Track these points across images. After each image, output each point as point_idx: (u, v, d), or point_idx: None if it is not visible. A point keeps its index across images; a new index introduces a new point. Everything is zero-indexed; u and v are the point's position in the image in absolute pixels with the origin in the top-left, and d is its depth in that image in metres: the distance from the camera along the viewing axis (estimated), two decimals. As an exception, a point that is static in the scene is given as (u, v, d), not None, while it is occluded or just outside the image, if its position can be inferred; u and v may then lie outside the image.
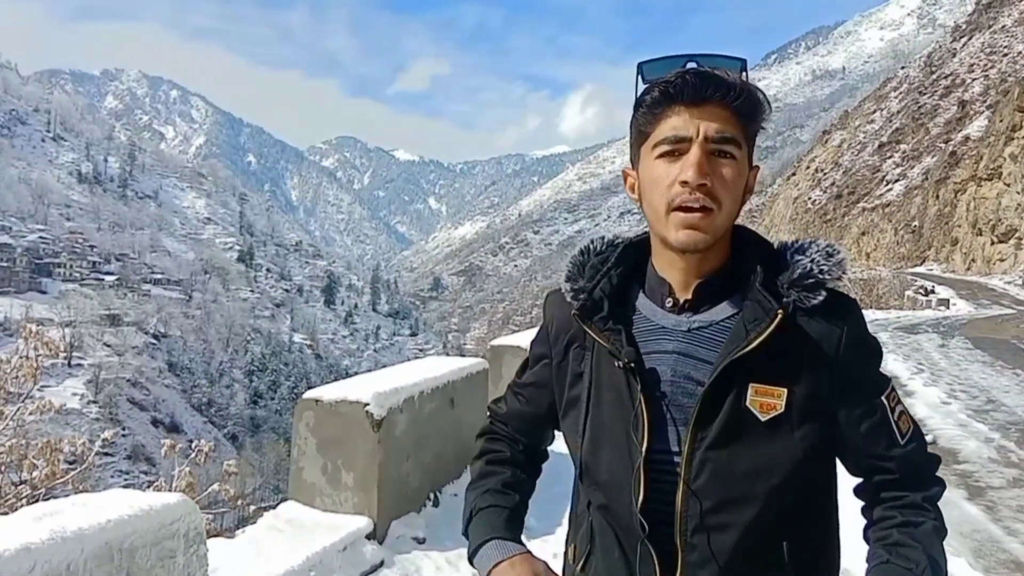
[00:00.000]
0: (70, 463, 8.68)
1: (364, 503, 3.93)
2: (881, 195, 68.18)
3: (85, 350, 79.93)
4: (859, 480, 1.17)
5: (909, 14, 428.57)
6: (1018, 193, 39.57)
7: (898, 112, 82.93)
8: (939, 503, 1.14)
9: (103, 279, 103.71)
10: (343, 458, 3.98)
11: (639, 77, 1.12)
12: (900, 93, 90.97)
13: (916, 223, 55.50)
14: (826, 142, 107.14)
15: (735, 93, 1.04)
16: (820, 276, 1.08)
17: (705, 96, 1.03)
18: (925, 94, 76.57)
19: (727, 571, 1.06)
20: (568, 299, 1.19)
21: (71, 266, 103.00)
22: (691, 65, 1.09)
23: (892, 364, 11.13)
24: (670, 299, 1.13)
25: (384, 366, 5.02)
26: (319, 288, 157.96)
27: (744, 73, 1.09)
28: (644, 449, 1.07)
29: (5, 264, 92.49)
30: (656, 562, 1.08)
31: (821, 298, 1.08)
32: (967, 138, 53.14)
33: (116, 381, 78.69)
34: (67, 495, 8.24)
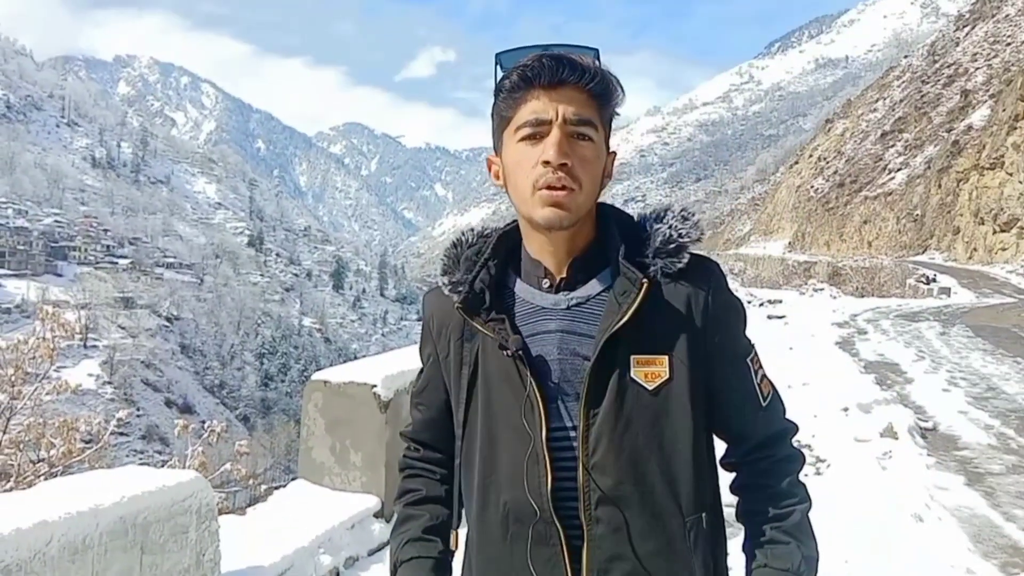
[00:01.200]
0: (86, 442, 8.81)
1: (372, 482, 3.98)
2: (883, 184, 67.70)
3: (100, 332, 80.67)
4: (726, 447, 1.21)
5: (912, 2, 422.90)
6: (1020, 182, 39.25)
7: (901, 101, 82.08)
8: (801, 477, 1.18)
9: (117, 262, 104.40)
10: (351, 438, 4.03)
11: (497, 67, 1.13)
12: (903, 82, 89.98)
13: (918, 212, 55.27)
14: (829, 131, 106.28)
15: (590, 76, 1.07)
16: (680, 240, 1.12)
17: (562, 78, 1.06)
18: (928, 83, 75.74)
19: (634, 540, 1.08)
20: (447, 292, 1.19)
21: (86, 249, 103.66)
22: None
23: (894, 351, 11.13)
24: (546, 279, 1.14)
25: (392, 350, 5.06)
26: (328, 273, 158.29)
27: (597, 62, 1.11)
28: (544, 432, 1.08)
29: (22, 247, 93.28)
30: (562, 540, 1.08)
31: (684, 262, 1.11)
32: (970, 127, 52.63)
33: (130, 362, 79.46)
34: (83, 473, 8.38)
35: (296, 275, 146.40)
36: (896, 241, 56.48)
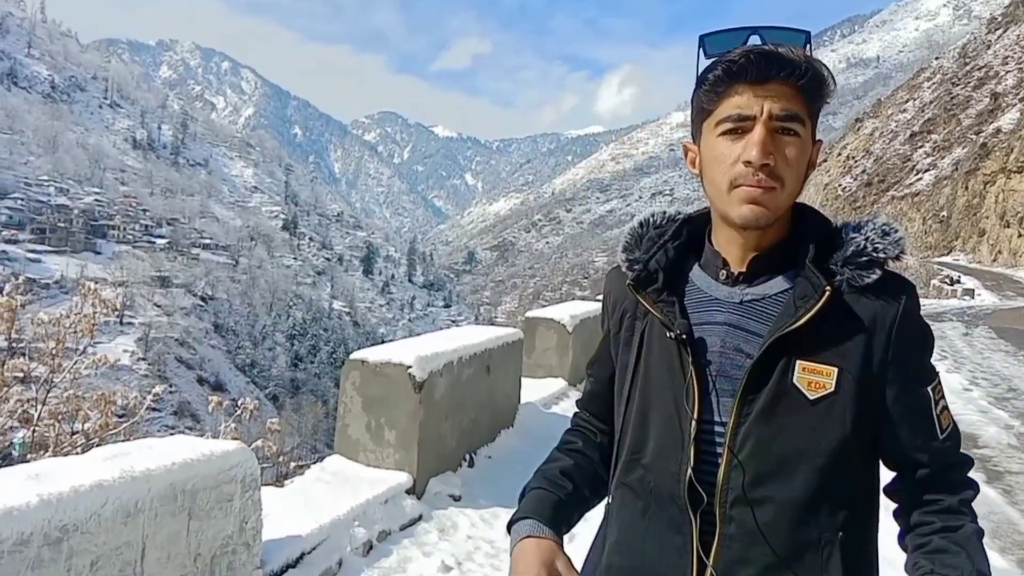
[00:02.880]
0: (119, 416, 9.10)
1: (405, 460, 4.12)
2: (911, 184, 66.73)
3: (136, 309, 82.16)
4: (893, 475, 1.14)
5: (945, 4, 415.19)
6: (1047, 186, 38.63)
7: (930, 102, 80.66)
8: (973, 505, 1.10)
9: (155, 242, 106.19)
10: (386, 417, 4.17)
11: (700, 50, 1.10)
12: (933, 83, 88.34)
13: (944, 213, 54.55)
14: (858, 130, 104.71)
15: (800, 71, 1.02)
16: (874, 255, 1.07)
17: (769, 76, 1.01)
18: (958, 85, 74.20)
19: (763, 545, 1.04)
20: (624, 269, 1.20)
21: (124, 228, 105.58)
22: (754, 40, 1.08)
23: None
24: (724, 271, 1.12)
25: (418, 336, 5.18)
26: (358, 258, 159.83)
27: (808, 46, 1.07)
28: (695, 421, 1.07)
29: (62, 224, 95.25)
30: (695, 531, 1.06)
31: (875, 277, 1.06)
32: (998, 130, 51.60)
33: (165, 340, 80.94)
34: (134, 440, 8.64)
35: (328, 259, 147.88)
36: (922, 242, 55.86)
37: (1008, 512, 4.52)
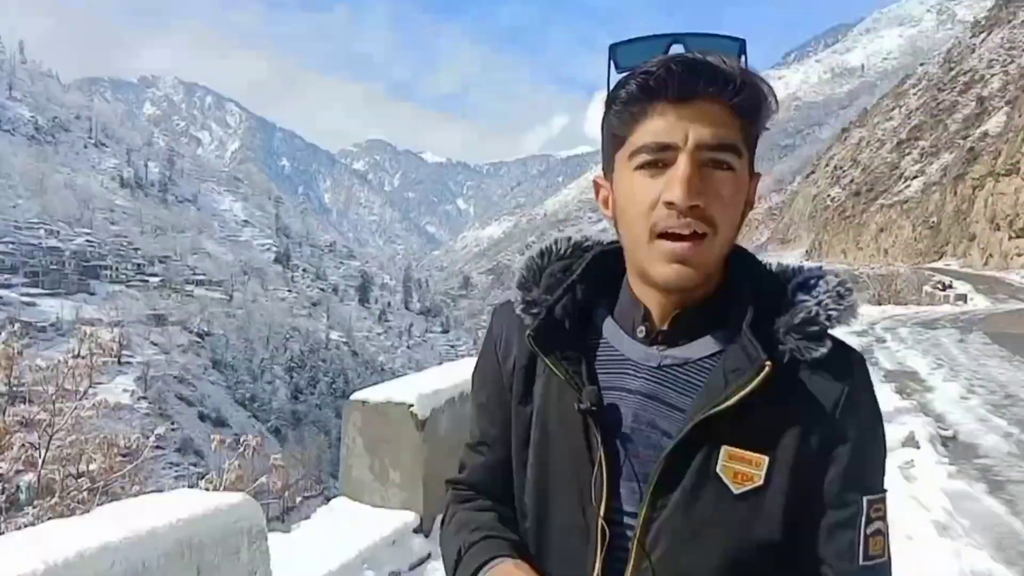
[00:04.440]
0: (124, 456, 9.11)
1: (411, 499, 4.14)
2: (899, 192, 67.55)
3: (133, 348, 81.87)
4: None
5: (929, 10, 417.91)
6: (1036, 188, 39.17)
7: (917, 109, 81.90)
8: None
9: (148, 280, 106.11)
10: (390, 456, 4.19)
11: (611, 63, 0.90)
12: (919, 90, 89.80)
13: (934, 219, 55.20)
14: (845, 140, 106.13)
15: (735, 87, 0.82)
16: (826, 323, 0.88)
17: (696, 91, 0.82)
18: (944, 90, 75.41)
19: None
20: (519, 311, 0.99)
21: (117, 268, 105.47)
22: (676, 48, 0.88)
23: (912, 360, 11.15)
24: (643, 326, 0.93)
25: (418, 362, 5.17)
26: (353, 287, 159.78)
27: (744, 57, 0.87)
28: (601, 515, 0.90)
29: (55, 267, 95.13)
30: None
31: (825, 350, 0.87)
32: (985, 134, 52.33)
33: (164, 378, 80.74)
34: (123, 487, 8.65)
35: (323, 290, 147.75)
36: (912, 248, 56.35)
37: (1012, 523, 4.54)
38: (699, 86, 0.81)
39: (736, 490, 0.86)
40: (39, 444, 7.92)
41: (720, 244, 0.86)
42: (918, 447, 6.00)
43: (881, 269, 38.99)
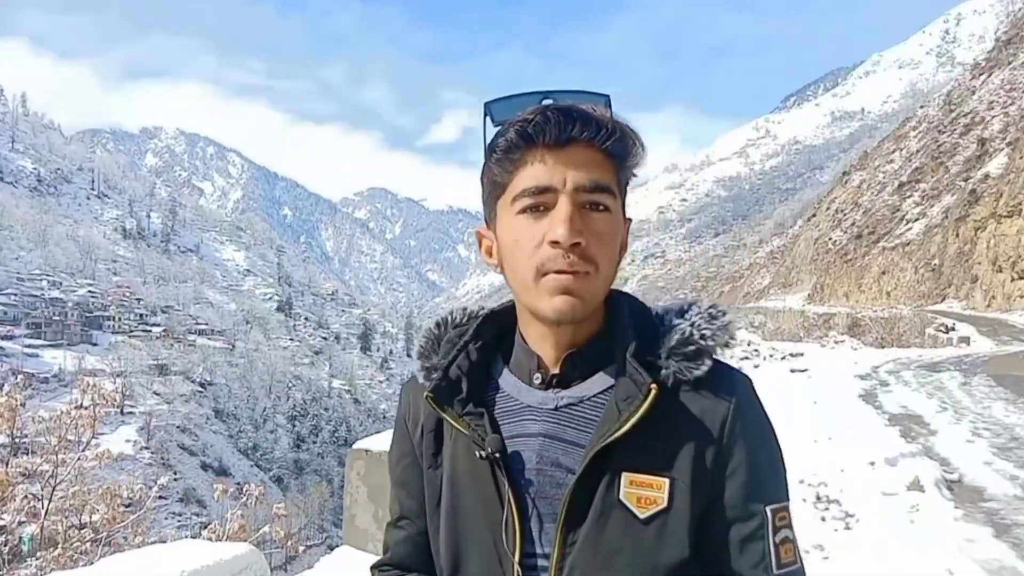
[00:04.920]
0: (126, 506, 9.08)
1: (415, 547, 4.15)
2: (901, 234, 67.75)
3: (136, 399, 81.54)
4: None
5: (928, 52, 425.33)
6: (1038, 230, 39.51)
7: (917, 151, 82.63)
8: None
9: (150, 330, 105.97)
10: (394, 505, 4.21)
11: (487, 118, 0.95)
12: (919, 132, 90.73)
13: (936, 261, 55.26)
14: (846, 183, 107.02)
15: (606, 132, 0.88)
16: (702, 343, 0.94)
17: (571, 136, 0.87)
18: (944, 132, 76.09)
19: None
20: (421, 380, 1.04)
21: (119, 318, 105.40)
22: (548, 102, 0.92)
23: (916, 403, 11.12)
24: (539, 373, 0.97)
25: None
26: (355, 335, 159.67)
27: (610, 110, 0.93)
28: (516, 557, 0.92)
29: (57, 318, 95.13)
30: None
31: (705, 369, 0.92)
32: (987, 175, 52.66)
33: (166, 428, 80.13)
34: (126, 538, 8.62)
35: (325, 338, 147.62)
36: (914, 291, 56.39)
37: (1020, 567, 4.51)
38: (574, 132, 0.87)
39: (642, 514, 0.88)
40: (42, 495, 7.92)
41: (602, 280, 0.90)
42: (923, 491, 5.99)
43: (884, 312, 38.97)
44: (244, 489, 9.75)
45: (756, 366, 18.79)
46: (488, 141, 0.94)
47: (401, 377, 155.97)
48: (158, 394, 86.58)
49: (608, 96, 0.93)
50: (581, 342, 0.95)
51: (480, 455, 0.93)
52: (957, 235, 51.24)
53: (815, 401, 11.64)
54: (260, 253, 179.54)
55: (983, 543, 4.88)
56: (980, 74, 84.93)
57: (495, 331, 1.04)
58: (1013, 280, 40.67)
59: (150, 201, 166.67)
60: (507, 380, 1.00)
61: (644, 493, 0.89)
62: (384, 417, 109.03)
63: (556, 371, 0.96)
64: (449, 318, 1.08)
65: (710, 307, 0.97)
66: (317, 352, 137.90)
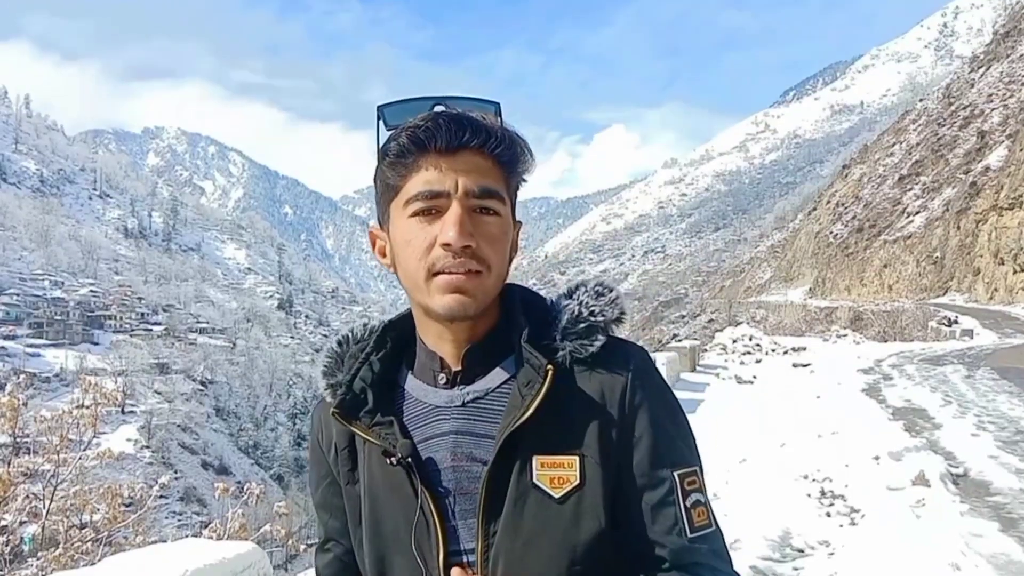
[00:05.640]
0: (127, 506, 9.05)
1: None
2: (902, 227, 67.56)
3: (137, 398, 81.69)
4: None
5: (926, 46, 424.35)
6: (1039, 222, 39.36)
7: (917, 144, 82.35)
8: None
9: (151, 329, 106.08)
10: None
11: (380, 122, 0.97)
12: (919, 125, 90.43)
13: (938, 254, 55.14)
14: (846, 176, 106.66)
15: (496, 140, 0.92)
16: (591, 319, 0.96)
17: (462, 143, 0.90)
18: (944, 125, 75.88)
19: None
20: (328, 398, 1.03)
21: (121, 318, 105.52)
22: (439, 109, 0.95)
23: (920, 397, 11.09)
24: (443, 373, 0.98)
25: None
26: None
27: (499, 118, 0.96)
28: (441, 557, 0.92)
29: (59, 317, 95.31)
30: None
31: (597, 345, 0.95)
32: (987, 168, 52.59)
33: (167, 427, 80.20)
34: (127, 538, 8.60)
35: (325, 336, 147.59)
36: (916, 284, 56.29)
37: (1026, 560, 4.49)
38: (465, 139, 0.89)
39: (556, 494, 0.90)
40: (43, 495, 7.89)
41: (494, 279, 0.92)
42: (929, 485, 5.95)
43: (886, 305, 38.91)
44: (245, 488, 9.71)
45: (759, 361, 18.74)
46: (380, 144, 0.96)
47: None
48: (159, 393, 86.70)
49: (498, 104, 0.97)
50: (479, 337, 0.97)
51: (391, 462, 0.94)
52: (958, 228, 51.17)
53: (818, 396, 11.60)
54: (261, 251, 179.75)
55: (990, 537, 4.84)
56: (979, 67, 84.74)
57: (397, 340, 1.04)
58: (1015, 272, 40.61)
59: (152, 200, 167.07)
60: (413, 385, 1.01)
61: (556, 473, 0.90)
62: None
63: (458, 368, 0.97)
64: (350, 335, 1.08)
65: (596, 284, 1.01)
66: (318, 350, 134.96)
